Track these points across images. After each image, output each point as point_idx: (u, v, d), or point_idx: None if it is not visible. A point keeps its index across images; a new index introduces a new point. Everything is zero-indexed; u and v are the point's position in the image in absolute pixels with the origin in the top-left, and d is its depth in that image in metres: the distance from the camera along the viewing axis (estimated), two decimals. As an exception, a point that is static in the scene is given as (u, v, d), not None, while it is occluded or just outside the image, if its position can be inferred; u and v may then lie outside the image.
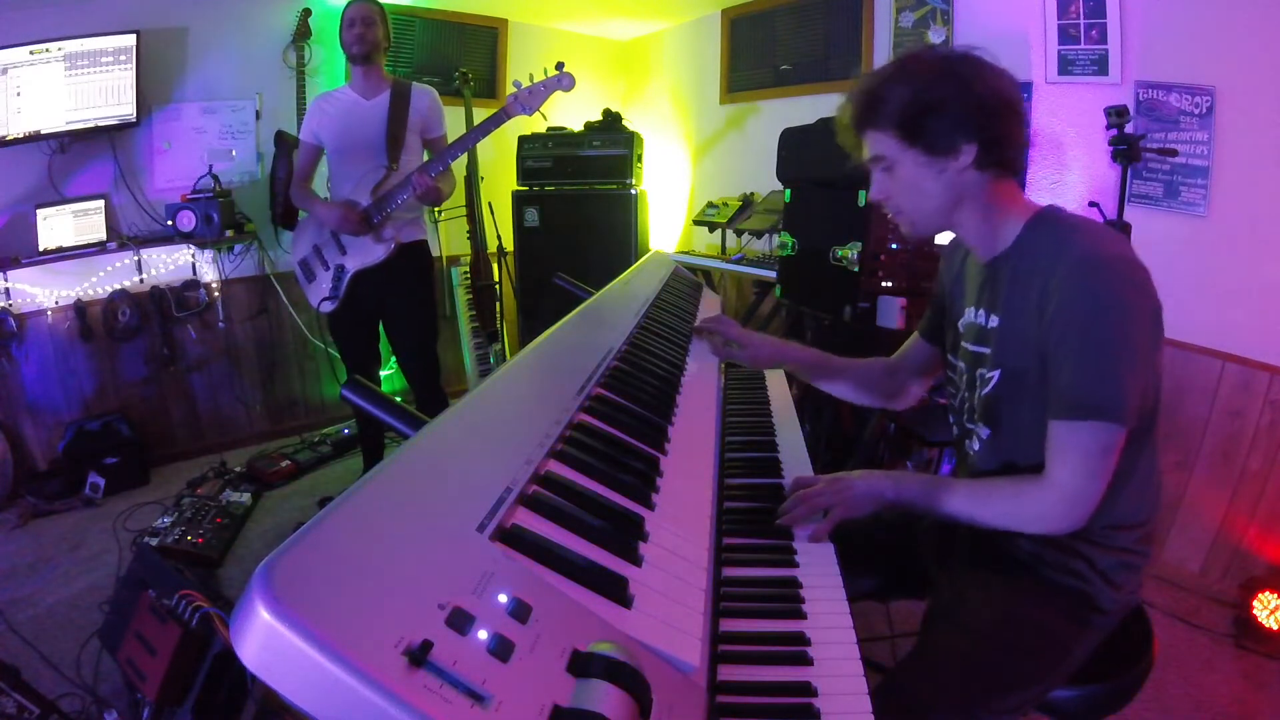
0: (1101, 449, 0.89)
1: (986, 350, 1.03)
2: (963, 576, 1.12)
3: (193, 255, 3.23)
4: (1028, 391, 0.96)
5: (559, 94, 2.37)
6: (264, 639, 0.39)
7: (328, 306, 2.46)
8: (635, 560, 0.67)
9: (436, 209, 3.79)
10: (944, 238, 1.18)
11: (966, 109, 0.91)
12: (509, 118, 2.33)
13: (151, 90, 3.01)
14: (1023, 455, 0.99)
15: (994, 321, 1.02)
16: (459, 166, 2.67)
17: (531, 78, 2.31)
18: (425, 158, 2.46)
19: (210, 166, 3.16)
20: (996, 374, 1.01)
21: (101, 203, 2.94)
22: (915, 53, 0.98)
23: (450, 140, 2.46)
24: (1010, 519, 0.97)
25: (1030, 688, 0.98)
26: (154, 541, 2.34)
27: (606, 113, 3.80)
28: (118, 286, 3.06)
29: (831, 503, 1.00)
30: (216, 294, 3.30)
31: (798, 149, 2.41)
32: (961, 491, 1.00)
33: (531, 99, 2.31)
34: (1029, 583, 1.05)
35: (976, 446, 1.09)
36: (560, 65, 2.32)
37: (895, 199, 1.01)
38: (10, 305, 2.83)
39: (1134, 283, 0.88)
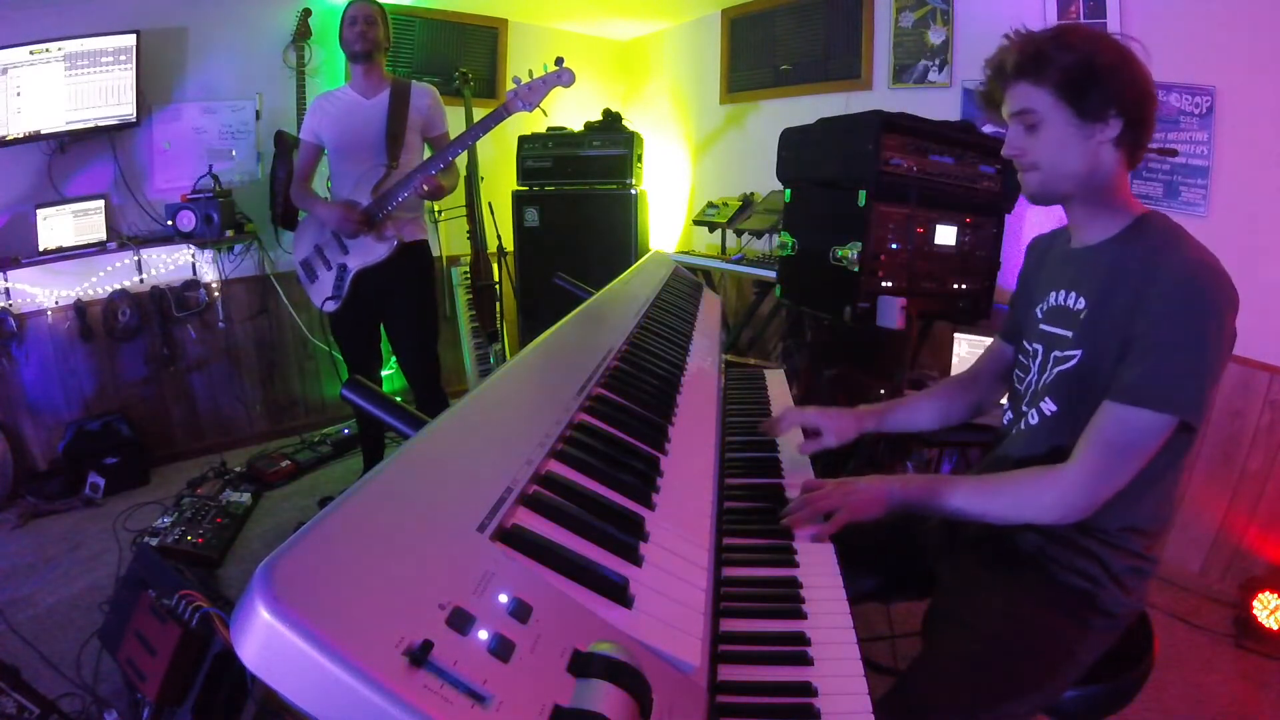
0: (1146, 440, 0.90)
1: (1069, 333, 1.04)
2: (967, 575, 1.12)
3: (193, 255, 3.23)
4: (1102, 376, 0.97)
5: (560, 93, 2.36)
6: (264, 639, 0.39)
7: (331, 306, 2.46)
8: (635, 560, 0.67)
9: (437, 209, 3.80)
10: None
11: (1123, 85, 0.95)
12: (509, 114, 2.33)
13: (151, 90, 3.01)
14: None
15: (1081, 304, 1.03)
16: (459, 165, 2.67)
17: (531, 74, 2.31)
18: (426, 156, 2.46)
19: (210, 166, 3.16)
20: (1078, 354, 1.02)
21: (101, 203, 2.94)
22: (1079, 25, 0.99)
23: (452, 138, 2.46)
24: (1024, 508, 0.96)
25: (1037, 692, 0.98)
26: (154, 541, 2.35)
27: (606, 113, 3.80)
28: (118, 286, 3.06)
29: (837, 505, 1.00)
30: (216, 294, 3.31)
31: (798, 149, 2.40)
32: (970, 486, 1.00)
33: (531, 95, 2.31)
34: (1034, 583, 1.04)
35: (1034, 420, 1.08)
36: (560, 60, 2.31)
37: (1031, 155, 1.02)
38: (10, 305, 2.83)
39: (1233, 303, 0.92)
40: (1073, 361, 1.02)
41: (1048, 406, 1.06)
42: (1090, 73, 0.94)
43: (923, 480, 1.03)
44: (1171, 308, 0.90)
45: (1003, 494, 0.98)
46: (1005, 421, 1.18)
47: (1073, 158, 0.98)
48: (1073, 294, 1.05)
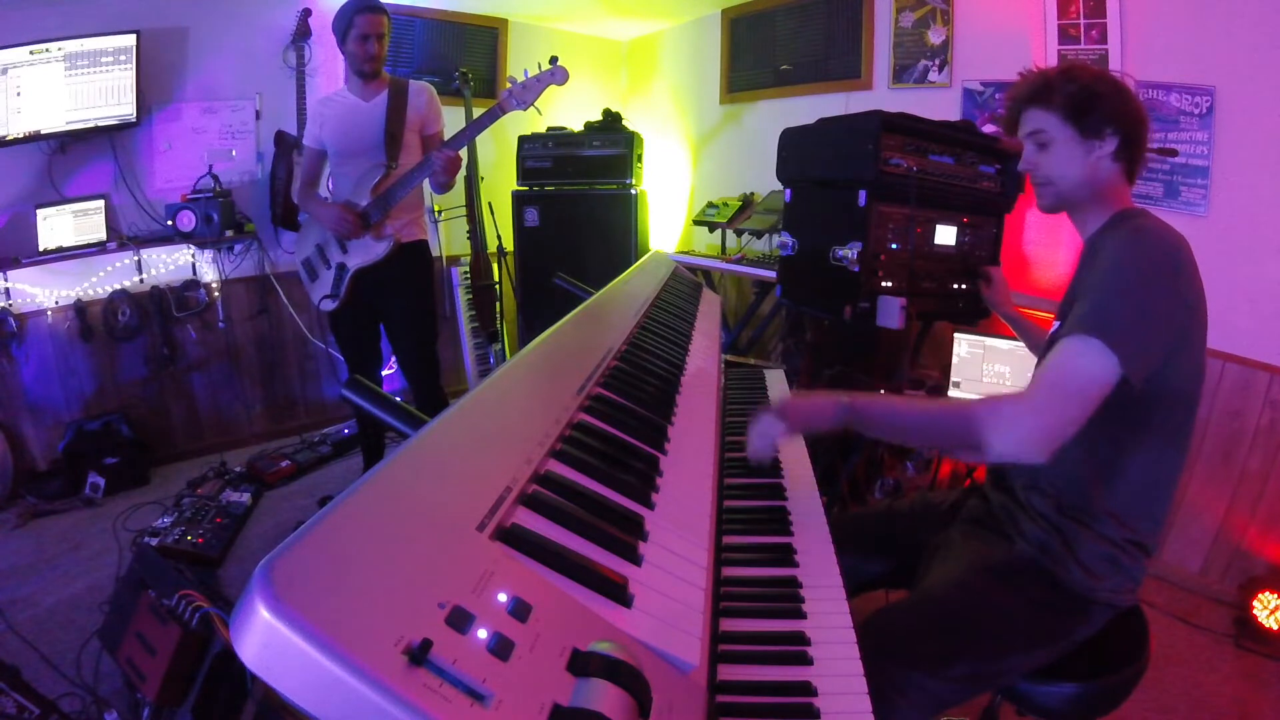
0: (1071, 363, 0.95)
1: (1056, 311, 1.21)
2: (945, 542, 1.20)
3: (193, 255, 3.23)
4: None
5: (560, 93, 2.36)
6: (264, 638, 0.39)
7: (328, 305, 2.46)
8: (635, 560, 0.67)
9: (437, 209, 3.80)
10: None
11: (1118, 108, 1.11)
12: (504, 113, 2.32)
13: (151, 90, 3.01)
14: None
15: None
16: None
17: (526, 73, 2.31)
18: (426, 156, 2.46)
19: (210, 166, 3.17)
20: (1057, 325, 1.16)
21: (101, 203, 2.94)
22: (1082, 61, 1.15)
23: (448, 135, 2.45)
24: (969, 428, 0.97)
25: (975, 661, 1.00)
26: (154, 541, 2.34)
27: (606, 113, 3.80)
28: (118, 286, 3.06)
29: (781, 419, 1.07)
30: (216, 294, 3.30)
31: (798, 149, 2.40)
32: (923, 407, 1.09)
33: (525, 93, 2.30)
34: (996, 551, 1.11)
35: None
36: (554, 59, 2.31)
37: (1042, 170, 1.17)
38: (10, 305, 2.83)
39: (1173, 263, 1.00)
40: (1053, 330, 1.17)
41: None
42: (1090, 98, 1.10)
43: (873, 397, 1.09)
44: (1110, 262, 1.02)
45: (955, 416, 1.02)
46: None
47: (1076, 168, 1.13)
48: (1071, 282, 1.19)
